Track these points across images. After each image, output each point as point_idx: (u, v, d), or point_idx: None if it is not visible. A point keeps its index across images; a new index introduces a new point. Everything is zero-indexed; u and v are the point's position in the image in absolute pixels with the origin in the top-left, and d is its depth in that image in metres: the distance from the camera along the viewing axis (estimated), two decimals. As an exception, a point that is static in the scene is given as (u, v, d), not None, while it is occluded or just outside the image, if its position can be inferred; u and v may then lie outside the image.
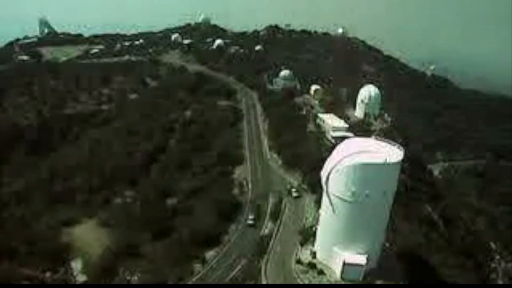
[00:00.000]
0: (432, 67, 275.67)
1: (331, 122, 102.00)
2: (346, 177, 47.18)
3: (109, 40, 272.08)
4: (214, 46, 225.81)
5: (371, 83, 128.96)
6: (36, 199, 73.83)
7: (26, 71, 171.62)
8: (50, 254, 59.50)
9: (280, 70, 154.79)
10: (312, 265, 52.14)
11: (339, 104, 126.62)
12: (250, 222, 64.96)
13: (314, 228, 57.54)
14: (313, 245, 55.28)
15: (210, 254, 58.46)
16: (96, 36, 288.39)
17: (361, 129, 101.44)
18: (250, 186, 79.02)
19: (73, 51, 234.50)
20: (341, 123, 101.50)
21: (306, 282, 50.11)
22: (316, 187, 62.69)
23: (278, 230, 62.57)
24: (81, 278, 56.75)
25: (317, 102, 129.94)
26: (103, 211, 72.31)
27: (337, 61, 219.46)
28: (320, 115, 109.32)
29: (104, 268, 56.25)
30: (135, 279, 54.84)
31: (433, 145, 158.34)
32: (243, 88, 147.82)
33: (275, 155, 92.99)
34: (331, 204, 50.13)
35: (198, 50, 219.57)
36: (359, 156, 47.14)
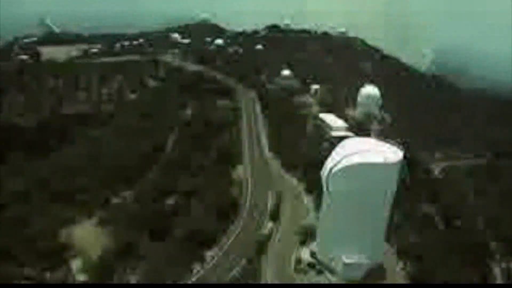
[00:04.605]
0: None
1: (331, 122, 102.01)
2: (346, 176, 47.14)
3: (109, 40, 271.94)
4: (214, 46, 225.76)
5: (371, 82, 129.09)
6: (36, 199, 73.61)
7: (26, 71, 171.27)
8: (50, 254, 59.35)
9: (280, 70, 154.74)
10: (311, 265, 52.10)
11: (339, 104, 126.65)
12: None
13: (313, 228, 57.51)
14: (312, 245, 55.23)
15: (209, 254, 58.41)
16: (95, 36, 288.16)
17: (361, 128, 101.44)
18: (249, 186, 78.92)
19: (73, 51, 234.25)
20: (341, 123, 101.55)
21: (306, 282, 50.06)
22: (316, 187, 62.57)
23: (278, 230, 62.52)
24: (81, 278, 56.60)
25: (317, 102, 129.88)
26: (103, 211, 72.14)
27: (337, 61, 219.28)
28: (320, 115, 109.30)
29: (104, 268, 56.15)
30: (134, 279, 54.74)
31: (433, 145, 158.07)
32: (242, 88, 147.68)
33: (274, 155, 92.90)
34: (331, 203, 50.07)
35: (198, 49, 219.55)
36: (359, 155, 47.08)
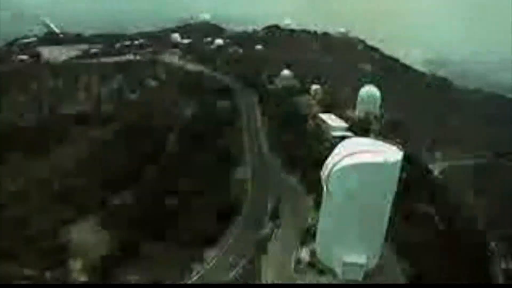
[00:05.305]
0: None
1: (331, 122, 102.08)
2: (346, 176, 47.16)
3: (109, 39, 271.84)
4: (214, 46, 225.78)
5: (371, 82, 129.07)
6: (35, 199, 73.68)
7: (25, 71, 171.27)
8: (50, 254, 59.38)
9: (280, 70, 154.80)
10: (311, 265, 52.13)
11: (339, 104, 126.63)
12: None
13: (313, 228, 57.52)
14: (312, 245, 55.24)
15: (209, 254, 58.42)
16: (95, 36, 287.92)
17: (361, 129, 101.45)
18: (249, 186, 78.96)
19: (73, 51, 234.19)
20: (341, 123, 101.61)
21: (306, 282, 50.08)
22: (316, 187, 62.59)
23: (278, 230, 62.55)
24: (81, 278, 56.63)
25: (317, 102, 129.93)
26: (102, 211, 72.20)
27: (337, 61, 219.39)
28: (320, 115, 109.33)
29: (104, 268, 56.19)
30: (134, 279, 54.75)
31: (433, 145, 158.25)
32: (242, 88, 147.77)
33: (274, 155, 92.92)
34: (331, 203, 50.07)
35: (198, 49, 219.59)
36: (359, 155, 47.11)
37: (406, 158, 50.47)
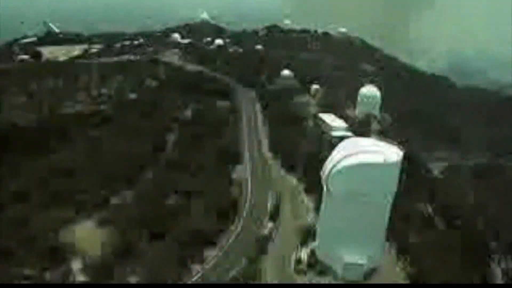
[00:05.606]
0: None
1: (331, 122, 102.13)
2: (346, 176, 47.19)
3: (109, 39, 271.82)
4: (214, 46, 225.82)
5: (371, 82, 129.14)
6: (35, 199, 73.73)
7: (25, 70, 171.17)
8: (50, 254, 59.36)
9: (280, 70, 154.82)
10: (312, 265, 52.13)
11: (339, 104, 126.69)
12: None
13: (313, 228, 57.55)
14: (313, 245, 55.26)
15: (209, 254, 58.41)
16: (95, 36, 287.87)
17: (361, 129, 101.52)
18: (249, 186, 78.95)
19: (73, 51, 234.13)
20: (341, 123, 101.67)
21: (306, 282, 50.11)
22: (316, 187, 62.61)
23: (278, 230, 62.56)
24: (81, 278, 56.61)
25: (317, 102, 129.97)
26: (102, 210, 72.18)
27: (337, 61, 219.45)
28: (320, 115, 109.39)
29: (104, 268, 56.16)
30: (134, 279, 54.72)
31: (433, 144, 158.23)
32: (242, 88, 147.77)
33: (274, 155, 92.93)
34: (331, 203, 50.10)
35: (198, 49, 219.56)
36: (359, 155, 47.12)
37: (406, 158, 50.44)
